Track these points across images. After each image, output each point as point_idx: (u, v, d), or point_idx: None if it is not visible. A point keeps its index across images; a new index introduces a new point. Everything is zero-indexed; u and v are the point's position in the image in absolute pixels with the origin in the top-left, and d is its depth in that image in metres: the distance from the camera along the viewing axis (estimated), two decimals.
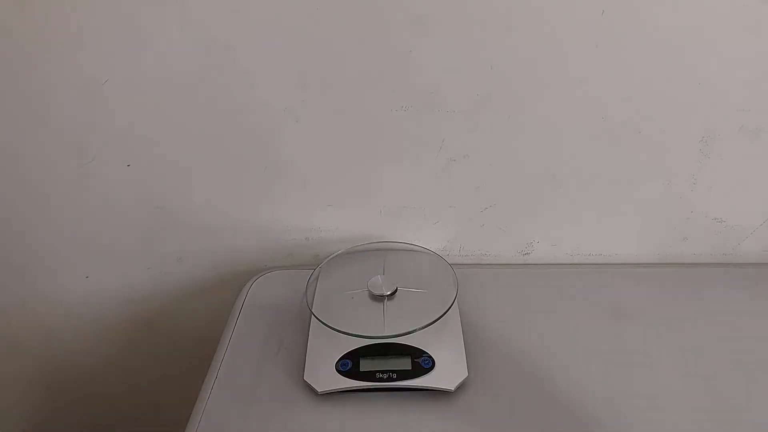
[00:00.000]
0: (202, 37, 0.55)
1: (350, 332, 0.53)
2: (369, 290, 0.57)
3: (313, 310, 0.56)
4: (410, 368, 0.50)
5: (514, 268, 0.67)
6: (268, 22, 0.54)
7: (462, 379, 0.50)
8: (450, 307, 0.56)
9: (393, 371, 0.50)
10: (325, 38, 0.55)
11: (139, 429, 0.91)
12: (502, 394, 0.50)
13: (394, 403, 0.49)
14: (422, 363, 0.51)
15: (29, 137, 0.61)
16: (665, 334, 0.56)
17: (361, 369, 0.50)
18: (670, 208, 0.65)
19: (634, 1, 0.53)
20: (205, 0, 0.53)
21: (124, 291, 0.73)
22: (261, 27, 0.54)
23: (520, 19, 0.54)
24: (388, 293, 0.57)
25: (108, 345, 0.79)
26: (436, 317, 0.55)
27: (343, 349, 0.52)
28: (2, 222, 0.67)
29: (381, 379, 0.49)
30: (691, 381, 0.51)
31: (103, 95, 0.58)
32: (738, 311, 0.59)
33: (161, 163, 0.62)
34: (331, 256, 0.63)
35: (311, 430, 0.48)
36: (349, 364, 0.51)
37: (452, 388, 0.49)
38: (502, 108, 0.59)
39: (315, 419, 0.48)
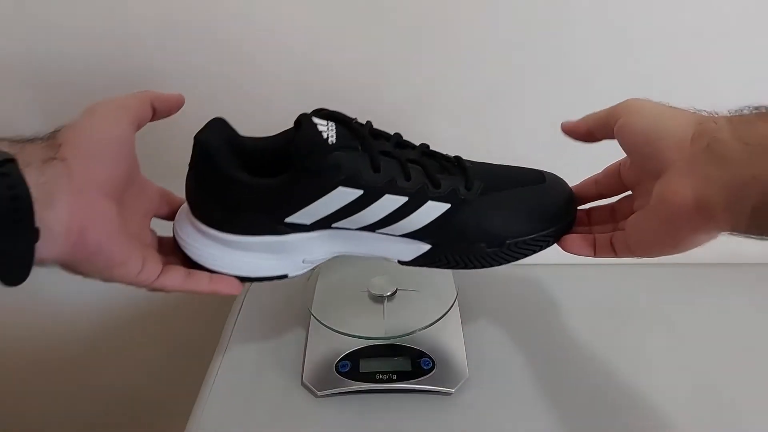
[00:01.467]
0: (203, 36, 0.54)
1: (350, 333, 0.53)
2: (369, 290, 0.57)
3: (312, 311, 0.56)
4: (410, 369, 0.50)
5: (514, 268, 0.67)
6: (269, 22, 0.54)
7: (462, 381, 0.50)
8: (450, 308, 0.56)
9: (393, 372, 0.50)
10: (324, 37, 0.55)
11: (138, 429, 0.91)
12: (503, 396, 0.50)
13: (394, 405, 0.49)
14: (422, 364, 0.50)
15: None
16: (665, 334, 0.56)
17: (361, 370, 0.50)
18: None
19: (634, 1, 0.53)
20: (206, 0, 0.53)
21: (123, 291, 0.72)
22: (261, 25, 0.54)
23: (521, 19, 0.53)
24: (388, 293, 0.56)
25: (107, 345, 0.79)
26: (437, 318, 0.55)
27: (342, 350, 0.52)
28: None
29: (381, 381, 0.49)
30: (692, 381, 0.51)
31: (103, 95, 0.57)
32: (738, 311, 0.59)
33: (161, 163, 0.62)
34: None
35: (311, 431, 0.47)
36: (349, 366, 0.51)
37: (452, 389, 0.49)
38: (503, 107, 0.58)
39: (314, 421, 0.48)
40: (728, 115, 0.34)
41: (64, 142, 0.34)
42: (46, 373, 0.82)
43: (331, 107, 0.42)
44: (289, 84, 0.57)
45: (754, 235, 0.32)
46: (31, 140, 0.33)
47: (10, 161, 0.29)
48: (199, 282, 0.42)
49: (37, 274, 0.74)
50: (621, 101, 0.40)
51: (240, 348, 0.55)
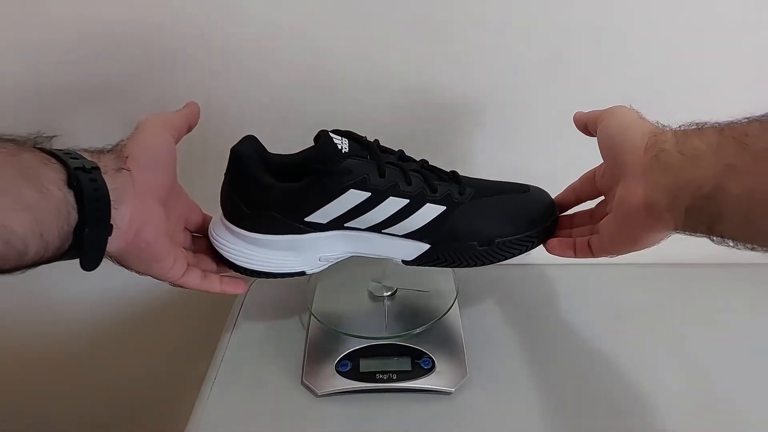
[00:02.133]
0: (202, 37, 0.54)
1: (350, 332, 0.53)
2: (369, 290, 0.57)
3: (312, 310, 0.56)
4: (410, 369, 0.50)
5: (514, 268, 0.67)
6: (268, 22, 0.54)
7: (462, 380, 0.50)
8: (450, 308, 0.56)
9: (393, 372, 0.50)
10: (324, 37, 0.55)
11: (138, 429, 0.91)
12: (502, 395, 0.50)
13: (393, 404, 0.49)
14: (422, 364, 0.50)
15: None
16: (665, 334, 0.56)
17: (361, 370, 0.50)
18: None
19: (634, 0, 0.53)
20: (204, 1, 0.53)
21: (123, 291, 0.73)
22: (260, 27, 0.54)
23: (521, 19, 0.53)
24: (388, 293, 0.56)
25: (107, 345, 0.79)
26: (436, 318, 0.55)
27: (342, 349, 0.52)
28: None
29: (381, 380, 0.49)
30: (691, 381, 0.51)
31: (103, 95, 0.57)
32: (739, 312, 0.59)
33: None
34: None
35: (311, 431, 0.47)
36: (349, 365, 0.51)
37: (452, 389, 0.49)
38: (502, 108, 0.58)
39: (314, 420, 0.48)
40: (675, 128, 0.39)
41: (129, 155, 0.41)
42: (46, 372, 0.82)
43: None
44: (288, 80, 0.57)
45: (689, 233, 0.37)
46: (101, 151, 0.40)
47: (97, 169, 0.37)
48: (212, 283, 0.49)
49: (36, 274, 0.74)
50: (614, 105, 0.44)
51: (240, 348, 0.55)
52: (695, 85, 0.56)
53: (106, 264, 0.43)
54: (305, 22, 0.54)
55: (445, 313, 0.55)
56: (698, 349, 0.54)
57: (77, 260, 0.37)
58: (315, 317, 0.55)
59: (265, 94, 0.58)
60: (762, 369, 0.52)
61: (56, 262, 0.36)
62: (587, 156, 0.61)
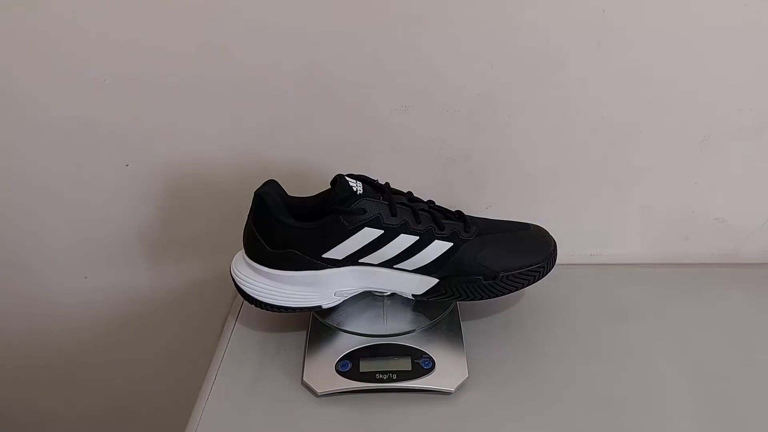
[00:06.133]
0: (203, 36, 0.54)
1: (350, 332, 0.53)
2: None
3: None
4: (410, 369, 0.50)
5: None
6: (268, 22, 0.54)
7: (462, 380, 0.50)
8: (450, 308, 0.56)
9: (393, 372, 0.50)
10: (324, 38, 0.55)
11: (138, 429, 0.91)
12: (502, 395, 0.49)
13: (394, 404, 0.49)
14: (422, 364, 0.50)
15: (29, 137, 0.61)
16: (666, 334, 0.56)
17: (361, 370, 0.50)
18: (671, 208, 0.64)
19: (634, 0, 0.53)
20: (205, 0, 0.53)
21: (123, 291, 0.72)
22: (261, 26, 0.54)
23: (521, 18, 0.53)
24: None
25: (107, 345, 0.79)
26: (437, 317, 0.55)
27: (342, 349, 0.52)
28: (1, 222, 0.66)
29: (381, 380, 0.49)
30: (692, 381, 0.51)
31: (103, 95, 0.57)
32: (740, 312, 0.59)
33: (161, 163, 0.62)
34: None
35: (311, 431, 0.47)
36: (349, 365, 0.51)
37: (452, 389, 0.49)
38: (503, 107, 0.58)
39: (314, 420, 0.48)
40: None
41: None
42: (46, 372, 0.82)
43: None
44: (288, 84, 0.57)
45: None
46: None
47: None
48: None
49: (36, 273, 0.74)
50: None
51: (240, 347, 0.55)
52: (696, 84, 0.56)
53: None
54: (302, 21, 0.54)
55: (445, 313, 0.55)
56: (699, 350, 0.54)
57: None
58: (315, 317, 0.55)
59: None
60: (764, 369, 0.52)
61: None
62: (588, 155, 0.62)
